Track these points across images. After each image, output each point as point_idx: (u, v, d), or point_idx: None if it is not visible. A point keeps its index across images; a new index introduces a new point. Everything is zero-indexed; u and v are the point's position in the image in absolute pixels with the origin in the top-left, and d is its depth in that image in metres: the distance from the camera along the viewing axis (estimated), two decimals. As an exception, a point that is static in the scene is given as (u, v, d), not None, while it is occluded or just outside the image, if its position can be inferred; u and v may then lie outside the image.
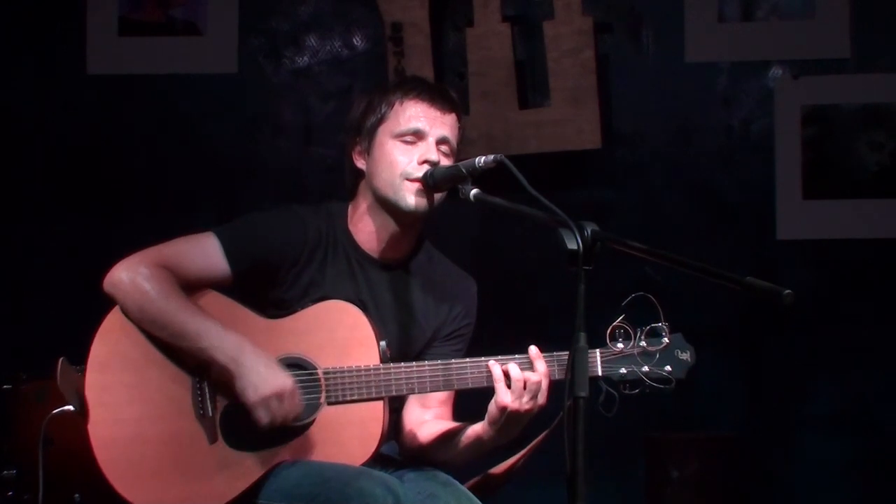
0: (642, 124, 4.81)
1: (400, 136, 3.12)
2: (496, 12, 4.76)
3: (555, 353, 2.98)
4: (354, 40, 4.93)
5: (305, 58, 4.95)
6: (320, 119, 4.94)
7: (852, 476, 4.66)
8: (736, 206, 4.78)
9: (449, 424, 3.17)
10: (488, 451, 3.08)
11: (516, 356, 2.99)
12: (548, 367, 2.96)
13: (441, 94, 3.19)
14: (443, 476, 3.10)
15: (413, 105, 3.14)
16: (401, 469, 3.13)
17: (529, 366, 2.96)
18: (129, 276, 3.03)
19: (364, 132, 3.17)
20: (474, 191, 3.00)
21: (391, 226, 3.16)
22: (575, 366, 2.54)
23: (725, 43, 4.77)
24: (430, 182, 3.06)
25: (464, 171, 3.01)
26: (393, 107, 3.14)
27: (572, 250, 2.58)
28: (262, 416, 2.96)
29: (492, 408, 2.98)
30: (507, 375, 2.96)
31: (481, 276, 3.33)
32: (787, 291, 2.49)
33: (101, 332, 3.08)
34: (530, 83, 4.81)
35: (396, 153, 3.11)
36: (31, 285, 4.86)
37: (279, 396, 2.95)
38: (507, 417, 2.96)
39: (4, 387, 4.07)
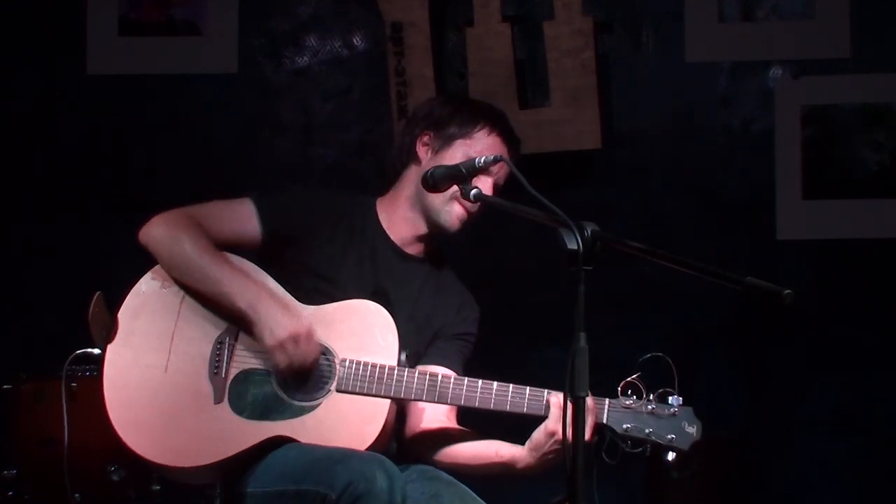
0: (642, 124, 4.81)
1: None
2: (496, 12, 4.75)
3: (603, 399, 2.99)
4: (354, 40, 4.93)
5: (305, 58, 4.94)
6: (320, 119, 4.93)
7: (852, 476, 4.65)
8: (736, 206, 4.77)
9: (469, 432, 3.20)
10: (514, 478, 3.09)
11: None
12: (595, 405, 2.97)
13: (517, 144, 3.31)
14: (446, 476, 3.13)
15: (496, 142, 3.24)
16: (403, 471, 3.11)
17: None
18: (163, 224, 3.17)
19: (442, 132, 3.25)
20: (474, 191, 3.01)
21: (422, 225, 3.27)
22: (575, 366, 2.55)
23: (725, 43, 4.76)
24: (430, 182, 3.07)
25: (464, 171, 3.02)
26: (481, 130, 3.24)
27: (572, 250, 2.59)
28: (280, 359, 3.04)
29: (538, 435, 3.00)
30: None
31: (481, 276, 3.35)
32: (787, 291, 2.49)
33: (146, 278, 3.16)
34: (530, 83, 4.81)
35: None
36: (32, 285, 4.85)
37: (295, 339, 3.03)
38: (551, 445, 2.97)
39: (4, 387, 4.08)
